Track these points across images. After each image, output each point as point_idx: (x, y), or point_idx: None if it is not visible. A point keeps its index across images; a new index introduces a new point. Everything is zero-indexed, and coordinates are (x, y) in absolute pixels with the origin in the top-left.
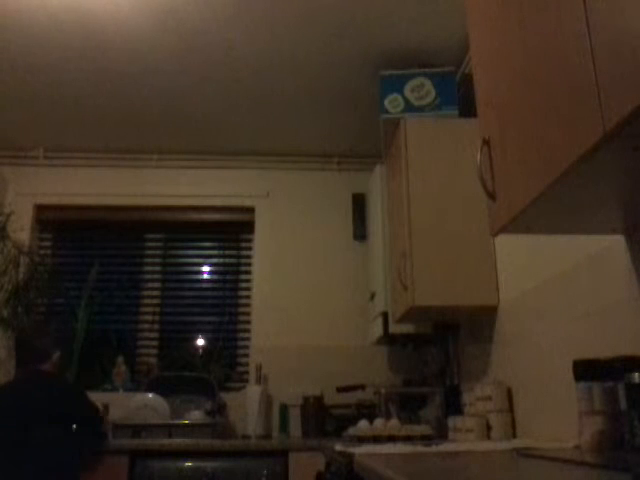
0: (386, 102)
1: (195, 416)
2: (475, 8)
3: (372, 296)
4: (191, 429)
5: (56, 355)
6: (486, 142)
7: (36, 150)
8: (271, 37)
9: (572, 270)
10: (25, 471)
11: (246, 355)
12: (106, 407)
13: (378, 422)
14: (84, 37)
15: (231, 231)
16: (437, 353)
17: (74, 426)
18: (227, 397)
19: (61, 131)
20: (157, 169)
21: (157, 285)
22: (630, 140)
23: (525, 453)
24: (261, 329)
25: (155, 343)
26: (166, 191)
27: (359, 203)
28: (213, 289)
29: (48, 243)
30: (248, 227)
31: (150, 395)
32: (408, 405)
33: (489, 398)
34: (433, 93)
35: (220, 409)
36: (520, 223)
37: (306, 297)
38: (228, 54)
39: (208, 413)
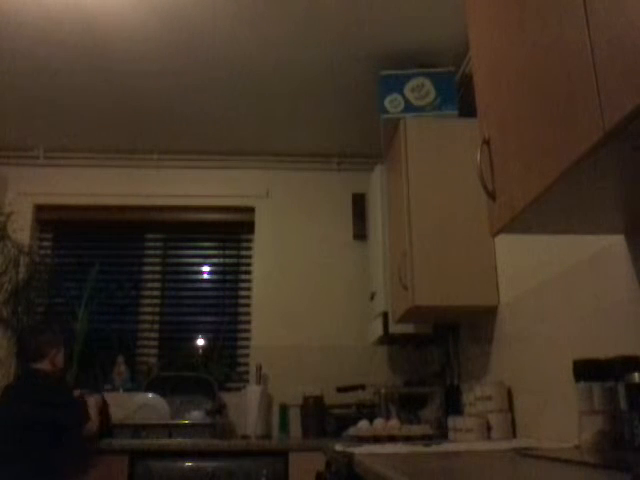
0: (386, 102)
1: (195, 416)
2: (475, 8)
3: (372, 296)
4: (191, 429)
5: (53, 352)
6: (486, 142)
7: (36, 150)
8: (271, 37)
9: (572, 270)
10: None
11: (246, 355)
12: (104, 405)
13: (378, 422)
14: (84, 37)
15: (231, 231)
16: (437, 353)
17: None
18: (227, 397)
19: (61, 131)
20: (157, 169)
21: (157, 285)
22: (630, 140)
23: (525, 453)
24: (261, 329)
25: (155, 343)
26: (166, 191)
27: (359, 203)
28: (213, 289)
29: (48, 243)
30: (248, 227)
31: (150, 395)
32: (408, 405)
33: (489, 398)
34: (433, 93)
35: (220, 409)
36: (520, 223)
37: (306, 297)
38: (228, 54)
39: (208, 413)
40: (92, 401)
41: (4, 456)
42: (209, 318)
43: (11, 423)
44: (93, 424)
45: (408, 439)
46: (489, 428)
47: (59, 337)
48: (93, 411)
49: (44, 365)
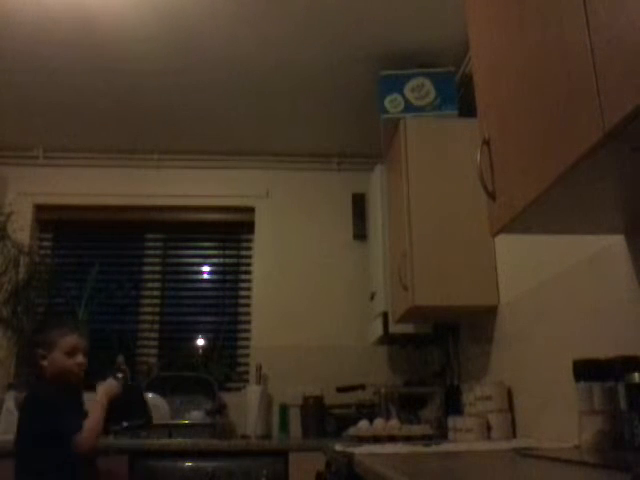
0: (386, 102)
1: (195, 416)
2: (475, 8)
3: (372, 296)
4: (191, 429)
5: (39, 354)
6: (486, 142)
7: (36, 150)
8: (271, 37)
9: (572, 270)
10: None
11: (246, 355)
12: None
13: (378, 422)
14: (84, 36)
15: (231, 231)
16: (437, 353)
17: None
18: (227, 397)
19: (61, 131)
20: (157, 169)
21: (157, 285)
22: (630, 140)
23: (525, 453)
24: (261, 329)
25: (155, 343)
26: (166, 191)
27: (359, 203)
28: (213, 289)
29: (48, 243)
30: (248, 227)
31: (150, 395)
32: (408, 405)
33: (489, 398)
34: (433, 93)
35: (220, 409)
36: (520, 223)
37: (306, 297)
38: (228, 54)
39: (208, 413)
40: (100, 390)
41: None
42: (209, 318)
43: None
44: (89, 434)
45: (408, 439)
46: (489, 428)
47: (51, 335)
48: (101, 400)
49: (35, 372)
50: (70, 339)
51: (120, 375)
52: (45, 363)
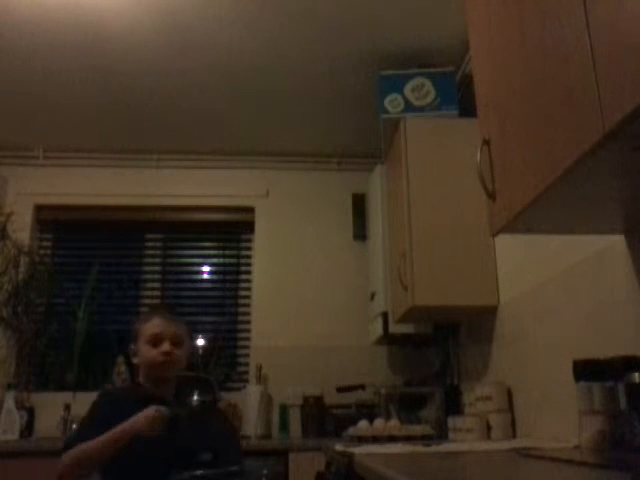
0: (386, 102)
1: None
2: (475, 8)
3: (372, 296)
4: None
5: (131, 348)
6: (486, 142)
7: (36, 150)
8: (271, 37)
9: (572, 270)
10: None
11: (246, 355)
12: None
13: (378, 422)
14: (84, 37)
15: (231, 231)
16: (437, 353)
17: None
18: (227, 397)
19: (61, 131)
20: (157, 169)
21: (157, 285)
22: (630, 140)
23: (525, 453)
24: (261, 329)
25: None
26: (166, 191)
27: (359, 203)
28: (213, 289)
29: (48, 243)
30: (248, 227)
31: None
32: (408, 405)
33: (489, 398)
34: (433, 93)
35: None
36: (520, 223)
37: (306, 297)
38: (228, 54)
39: None
40: (132, 420)
41: None
42: (209, 318)
43: None
44: (64, 458)
45: (408, 439)
46: (489, 428)
47: (135, 326)
48: (114, 433)
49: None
50: (151, 326)
51: (195, 398)
52: (136, 360)
